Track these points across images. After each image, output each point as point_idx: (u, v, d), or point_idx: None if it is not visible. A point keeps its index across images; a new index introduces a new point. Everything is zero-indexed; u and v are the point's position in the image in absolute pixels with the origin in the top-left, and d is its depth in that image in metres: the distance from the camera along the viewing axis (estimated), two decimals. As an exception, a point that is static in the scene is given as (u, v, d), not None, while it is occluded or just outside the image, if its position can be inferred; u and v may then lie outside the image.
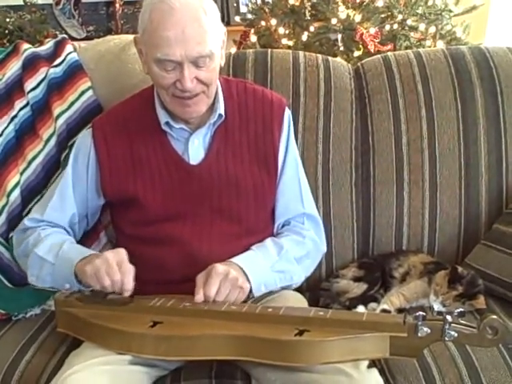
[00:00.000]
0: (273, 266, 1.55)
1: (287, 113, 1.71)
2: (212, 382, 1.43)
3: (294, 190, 1.71)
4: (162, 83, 1.49)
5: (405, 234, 1.93)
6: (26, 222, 1.65)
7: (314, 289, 1.86)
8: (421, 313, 1.23)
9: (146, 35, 1.48)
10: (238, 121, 1.64)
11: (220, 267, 1.42)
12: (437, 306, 1.66)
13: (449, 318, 1.22)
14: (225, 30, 1.56)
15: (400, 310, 1.70)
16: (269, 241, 1.62)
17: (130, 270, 1.42)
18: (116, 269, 1.40)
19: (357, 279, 1.83)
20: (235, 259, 1.51)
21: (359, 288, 1.80)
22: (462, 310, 1.24)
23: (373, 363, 1.39)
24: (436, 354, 1.50)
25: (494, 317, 1.21)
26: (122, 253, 1.44)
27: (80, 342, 1.45)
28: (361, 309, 1.72)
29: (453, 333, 1.22)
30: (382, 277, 1.83)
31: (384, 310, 1.69)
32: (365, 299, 1.77)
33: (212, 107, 1.60)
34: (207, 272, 1.43)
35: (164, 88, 1.50)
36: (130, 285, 1.41)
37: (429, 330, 1.23)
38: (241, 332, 1.29)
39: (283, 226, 1.70)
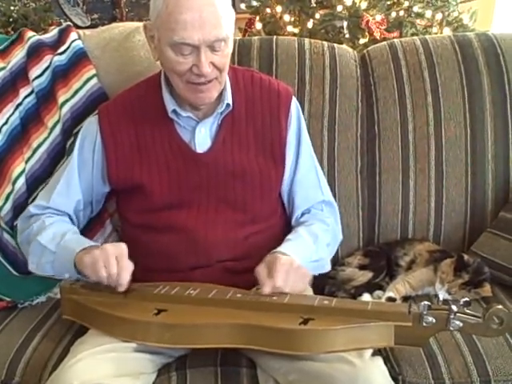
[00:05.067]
0: (311, 256, 1.54)
1: (294, 102, 1.70)
2: (217, 369, 1.43)
3: (313, 180, 1.71)
4: (178, 69, 1.47)
5: (410, 222, 1.93)
6: (31, 208, 1.65)
7: (320, 277, 1.85)
8: (426, 302, 1.23)
9: (159, 20, 1.45)
10: (244, 110, 1.63)
11: (284, 257, 1.41)
12: (442, 294, 1.66)
13: (454, 307, 1.22)
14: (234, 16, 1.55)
15: (406, 298, 1.70)
16: (303, 230, 1.60)
17: (127, 266, 1.40)
18: (114, 262, 1.38)
19: (362, 267, 1.83)
20: (283, 249, 1.48)
21: (364, 276, 1.80)
22: (467, 299, 1.24)
23: (378, 351, 1.39)
24: (441, 342, 1.50)
25: (500, 306, 1.21)
26: (122, 247, 1.42)
27: (86, 329, 1.45)
28: (366, 297, 1.72)
29: (458, 322, 1.22)
30: (387, 265, 1.83)
31: (390, 298, 1.69)
32: (370, 287, 1.77)
33: (220, 96, 1.59)
34: (268, 263, 1.41)
35: (179, 74, 1.48)
36: (125, 280, 1.39)
37: (433, 320, 1.22)
38: (245, 320, 1.29)
39: (302, 215, 1.69)
